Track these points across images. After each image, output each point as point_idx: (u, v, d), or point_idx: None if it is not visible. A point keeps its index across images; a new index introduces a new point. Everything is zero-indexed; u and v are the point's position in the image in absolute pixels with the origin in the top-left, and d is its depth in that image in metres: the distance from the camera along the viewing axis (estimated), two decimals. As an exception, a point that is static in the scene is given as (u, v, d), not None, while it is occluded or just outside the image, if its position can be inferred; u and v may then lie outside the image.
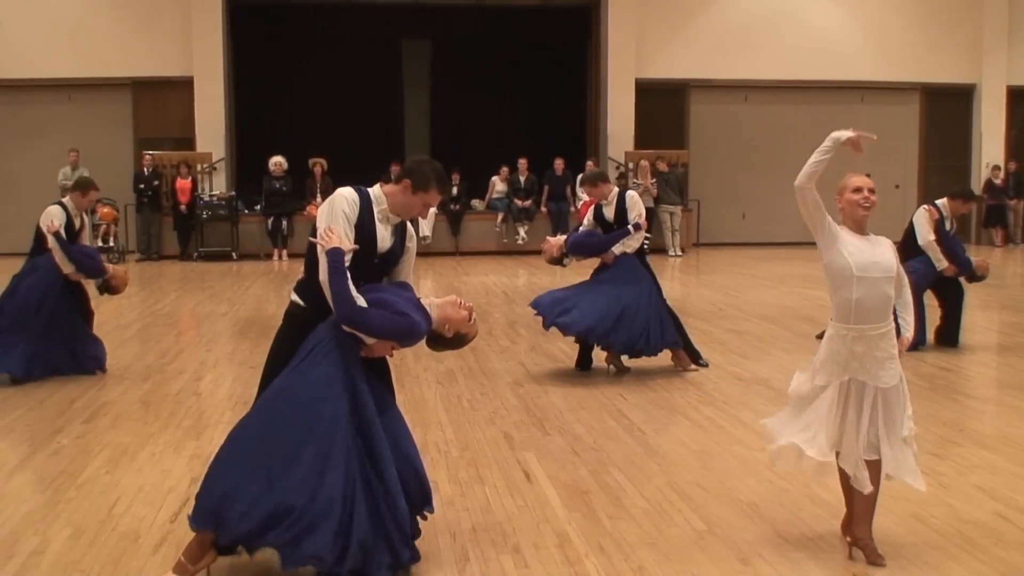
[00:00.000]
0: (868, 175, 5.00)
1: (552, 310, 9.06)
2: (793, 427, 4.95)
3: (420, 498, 4.80)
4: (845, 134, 4.86)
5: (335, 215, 4.68)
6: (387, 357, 4.89)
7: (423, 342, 4.88)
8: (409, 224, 4.99)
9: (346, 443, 4.48)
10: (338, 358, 4.58)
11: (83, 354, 9.15)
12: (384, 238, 4.81)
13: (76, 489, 6.04)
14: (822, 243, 4.87)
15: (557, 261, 9.55)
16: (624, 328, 8.91)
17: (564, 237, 9.71)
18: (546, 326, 9.19)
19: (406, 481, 4.67)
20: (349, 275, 4.53)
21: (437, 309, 4.79)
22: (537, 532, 5.33)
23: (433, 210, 5.11)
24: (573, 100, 23.78)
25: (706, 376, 9.20)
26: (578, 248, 9.42)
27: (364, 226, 4.73)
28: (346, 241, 4.61)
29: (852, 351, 4.78)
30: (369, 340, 4.63)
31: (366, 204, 4.77)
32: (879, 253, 4.87)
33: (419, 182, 4.80)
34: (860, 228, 4.92)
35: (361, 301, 4.56)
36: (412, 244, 5.02)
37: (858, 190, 4.90)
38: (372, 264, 4.79)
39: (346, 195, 4.75)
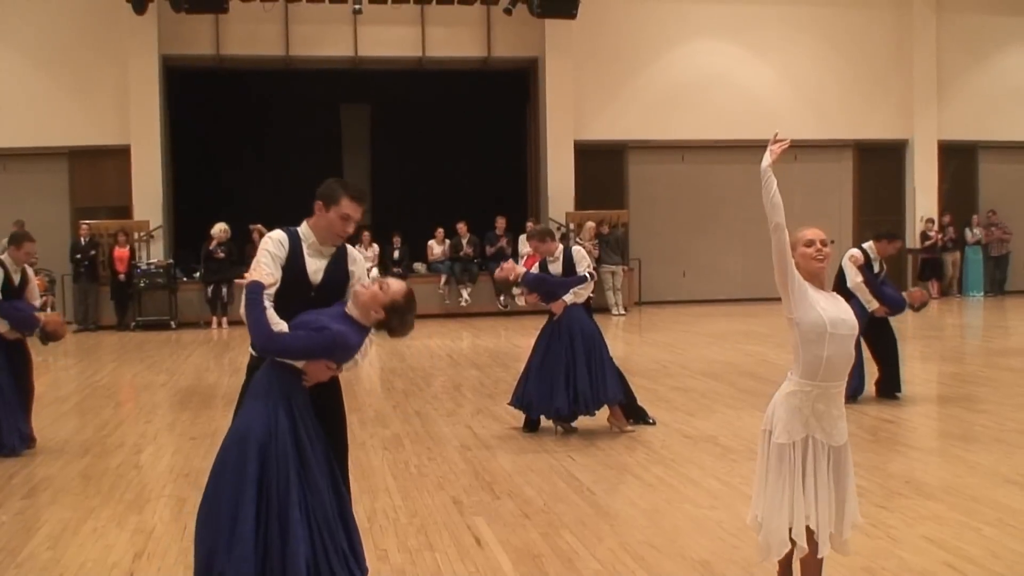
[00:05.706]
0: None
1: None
2: (768, 502, 4.70)
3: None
4: (767, 160, 4.66)
5: (260, 254, 4.79)
6: (342, 413, 4.90)
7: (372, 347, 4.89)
8: (351, 248, 5.03)
9: (253, 491, 4.46)
10: (267, 404, 4.56)
11: (22, 433, 8.88)
12: (317, 271, 4.87)
13: (16, 567, 5.88)
14: (793, 296, 4.63)
15: (506, 286, 9.51)
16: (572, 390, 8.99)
17: (523, 269, 9.70)
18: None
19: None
20: (271, 307, 4.57)
21: (354, 296, 4.74)
22: (490, 598, 5.27)
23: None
24: (513, 162, 23.93)
25: (653, 434, 9.21)
26: (535, 284, 9.38)
27: (295, 262, 4.82)
28: (267, 277, 4.64)
29: (814, 408, 4.64)
30: (299, 364, 4.61)
31: (295, 242, 4.85)
32: (844, 309, 4.75)
33: (327, 197, 4.84)
34: (819, 283, 4.77)
35: (281, 327, 4.56)
36: (356, 267, 5.00)
37: (810, 243, 4.77)
38: (311, 298, 4.81)
39: (273, 236, 4.87)
